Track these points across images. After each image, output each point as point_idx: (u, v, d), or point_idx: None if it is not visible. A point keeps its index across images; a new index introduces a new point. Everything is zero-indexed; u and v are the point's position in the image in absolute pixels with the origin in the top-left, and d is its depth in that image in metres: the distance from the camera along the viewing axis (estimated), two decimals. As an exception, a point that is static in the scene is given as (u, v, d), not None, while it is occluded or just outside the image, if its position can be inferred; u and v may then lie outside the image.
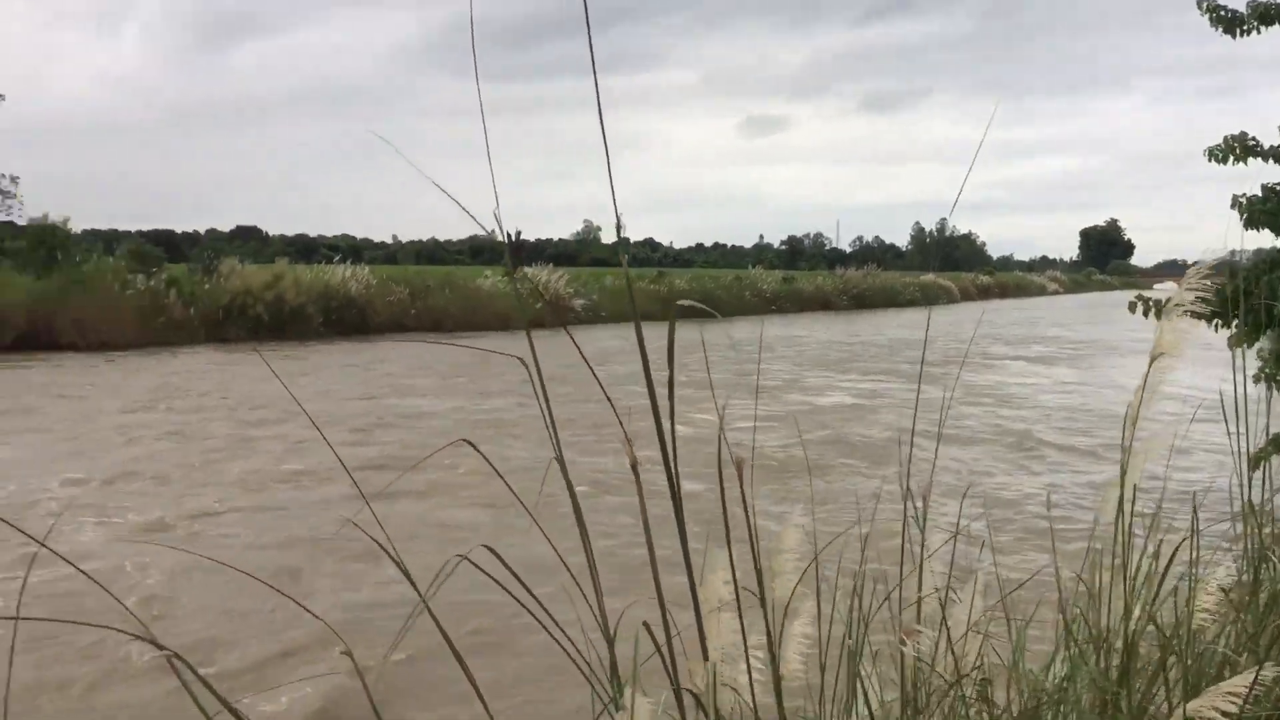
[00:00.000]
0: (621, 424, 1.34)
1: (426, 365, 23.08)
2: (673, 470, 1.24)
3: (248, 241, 61.21)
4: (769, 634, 1.59)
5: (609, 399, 1.38)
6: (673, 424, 1.26)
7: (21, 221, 32.33)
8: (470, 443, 1.54)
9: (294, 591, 6.81)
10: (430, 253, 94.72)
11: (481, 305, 34.85)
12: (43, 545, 1.17)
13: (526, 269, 39.32)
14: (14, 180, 33.13)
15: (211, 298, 28.91)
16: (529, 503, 1.57)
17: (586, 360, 1.43)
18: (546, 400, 1.50)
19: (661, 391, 1.31)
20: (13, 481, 10.56)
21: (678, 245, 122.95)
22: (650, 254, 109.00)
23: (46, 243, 28.87)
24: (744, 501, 1.56)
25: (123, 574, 7.51)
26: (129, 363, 23.11)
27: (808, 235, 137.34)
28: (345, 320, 31.29)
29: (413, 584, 1.48)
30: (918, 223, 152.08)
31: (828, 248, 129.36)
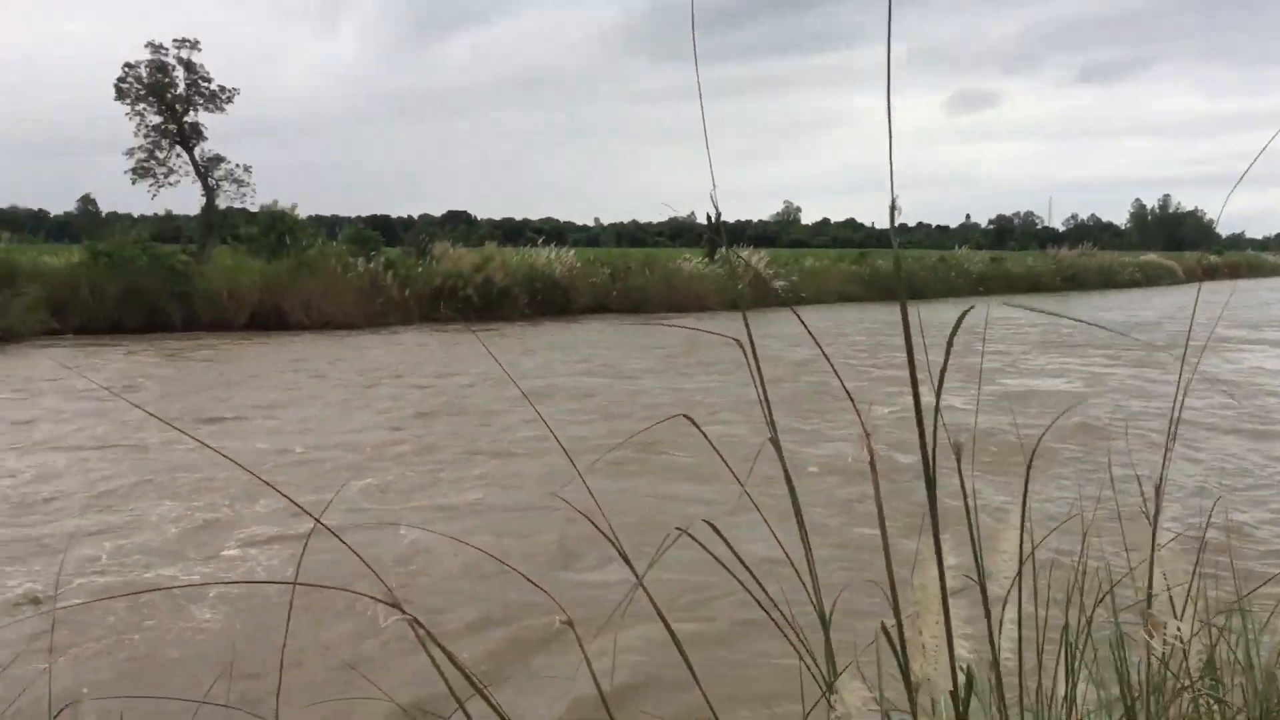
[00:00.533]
0: (859, 412, 1.32)
1: (631, 344, 23.52)
2: (929, 455, 1.21)
3: (457, 225, 63.49)
4: (989, 624, 1.54)
5: (848, 393, 1.37)
6: (937, 405, 1.23)
7: (254, 209, 34.50)
8: (689, 418, 1.55)
9: (528, 563, 7.07)
10: (631, 234, 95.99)
11: (681, 287, 35.14)
12: (318, 521, 1.25)
13: (727, 250, 39.23)
14: (247, 170, 35.32)
15: (425, 279, 30.18)
16: (741, 483, 1.58)
17: (818, 344, 1.41)
18: (762, 381, 1.50)
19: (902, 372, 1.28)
20: (299, 445, 11.60)
21: (880, 225, 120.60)
22: (851, 234, 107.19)
23: (276, 228, 30.74)
24: (962, 487, 1.52)
25: (383, 542, 7.95)
26: (357, 340, 24.46)
27: (1017, 214, 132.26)
28: (549, 301, 32.08)
29: (628, 563, 1.50)
30: (1138, 199, 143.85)
31: (1039, 226, 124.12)
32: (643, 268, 35.91)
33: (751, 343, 1.50)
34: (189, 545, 7.95)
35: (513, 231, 72.57)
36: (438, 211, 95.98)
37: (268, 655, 5.67)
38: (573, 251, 36.27)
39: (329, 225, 49.40)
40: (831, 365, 1.41)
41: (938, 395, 1.25)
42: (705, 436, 1.52)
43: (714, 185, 1.51)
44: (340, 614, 6.06)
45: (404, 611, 1.19)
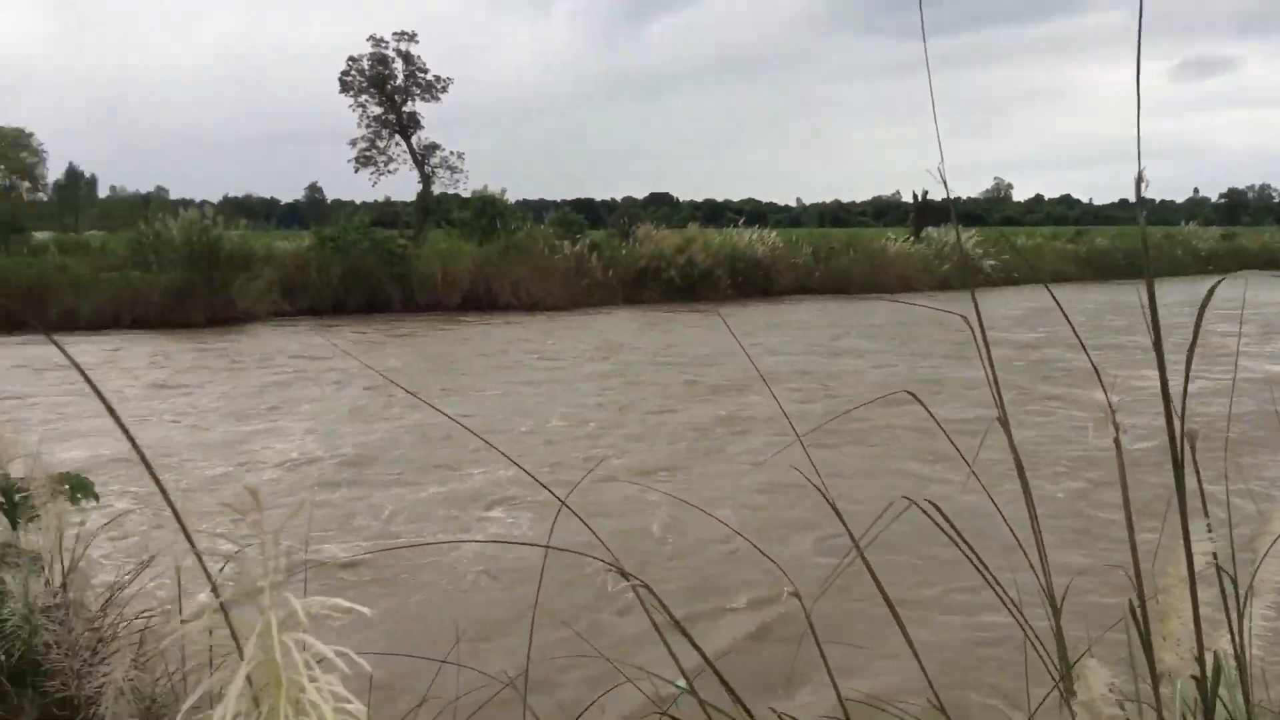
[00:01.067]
0: (1104, 389, 1.28)
1: (842, 324, 23.32)
2: (1177, 438, 1.17)
3: (660, 207, 64.10)
4: (1233, 613, 1.47)
5: (1095, 371, 1.33)
6: (1185, 386, 1.18)
7: (466, 194, 35.79)
8: (913, 394, 1.54)
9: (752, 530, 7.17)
10: (833, 214, 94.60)
11: (885, 267, 34.45)
12: (563, 504, 1.32)
13: (932, 230, 38.26)
14: (460, 156, 36.70)
15: (628, 261, 30.63)
16: (968, 462, 1.55)
17: (1066, 316, 1.38)
18: (990, 359, 1.47)
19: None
20: (531, 418, 12.11)
21: (1098, 201, 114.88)
22: (1067, 211, 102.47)
23: (487, 212, 31.81)
24: (1197, 475, 1.45)
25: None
26: (566, 320, 25.13)
27: (1251, 187, 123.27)
28: (751, 282, 31.99)
29: (849, 531, 1.51)
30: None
31: (1277, 200, 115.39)
32: (846, 248, 35.36)
33: (980, 319, 1.47)
34: (441, 509, 8.41)
35: (714, 213, 72.64)
36: (640, 194, 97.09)
37: (499, 615, 5.93)
38: (775, 232, 36.04)
39: (535, 209, 50.69)
40: (1079, 340, 1.37)
41: (1186, 375, 1.19)
42: (930, 413, 1.50)
43: (941, 159, 1.49)
44: (574, 582, 6.24)
45: (628, 576, 1.23)
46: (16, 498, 3.33)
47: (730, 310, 27.77)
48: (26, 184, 46.30)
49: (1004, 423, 1.47)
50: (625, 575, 1.31)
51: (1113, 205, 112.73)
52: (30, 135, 45.71)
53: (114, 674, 2.41)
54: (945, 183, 1.49)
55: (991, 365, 1.47)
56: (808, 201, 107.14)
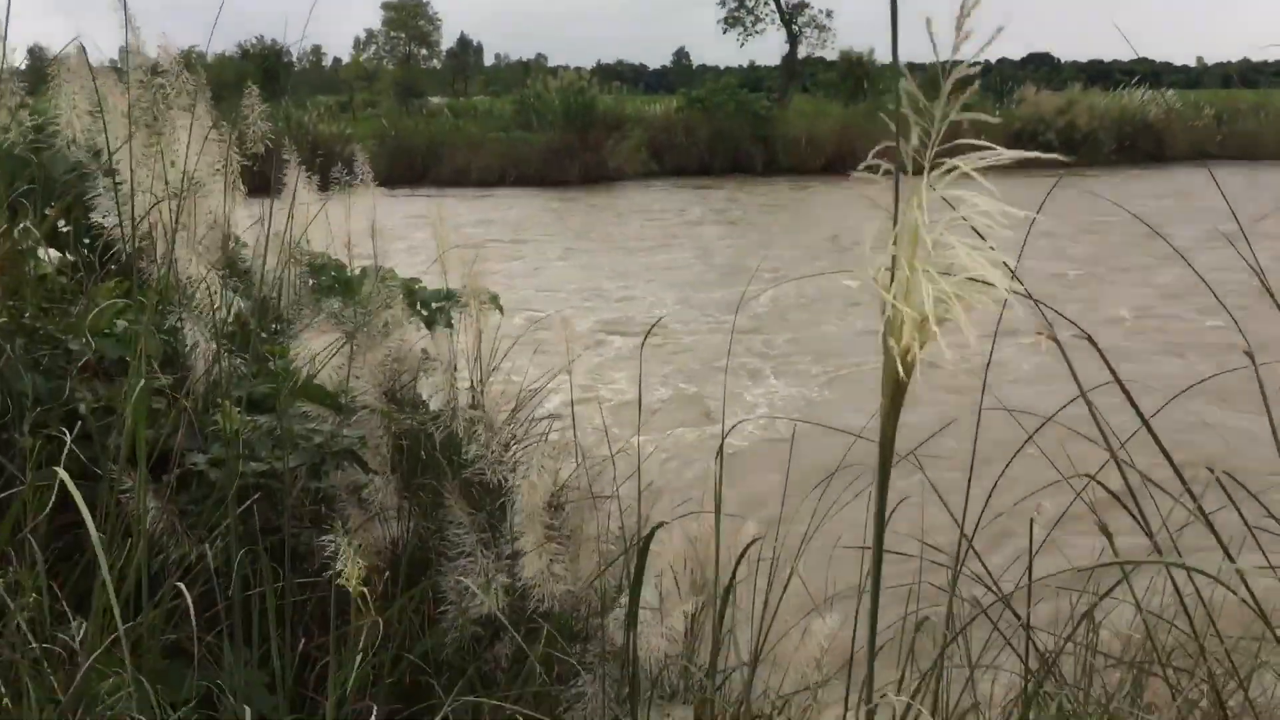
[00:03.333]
0: None
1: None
2: None
3: (1040, 69, 59.90)
4: None
5: None
6: None
7: (833, 55, 34.95)
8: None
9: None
10: (1242, 74, 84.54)
11: (1301, 129, 30.59)
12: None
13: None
14: (829, 15, 35.77)
15: (1003, 124, 28.96)
16: None
17: None
18: None
19: None
20: None
21: None
22: None
23: (854, 74, 31.03)
24: None
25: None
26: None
27: None
28: (1138, 147, 29.39)
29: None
30: None
31: None
32: (1255, 110, 31.59)
33: None
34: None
35: (1100, 74, 66.75)
36: (1017, 55, 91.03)
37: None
38: (1171, 92, 32.74)
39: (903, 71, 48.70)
40: None
41: None
42: None
43: None
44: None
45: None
46: (435, 307, 3.71)
47: (1117, 174, 25.65)
48: (424, 51, 49.92)
49: None
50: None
51: None
52: (427, 5, 49.04)
53: (530, 461, 2.63)
54: None
55: None
56: (1210, 61, 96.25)
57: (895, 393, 0.82)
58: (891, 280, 0.77)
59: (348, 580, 1.35)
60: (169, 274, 2.23)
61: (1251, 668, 1.70)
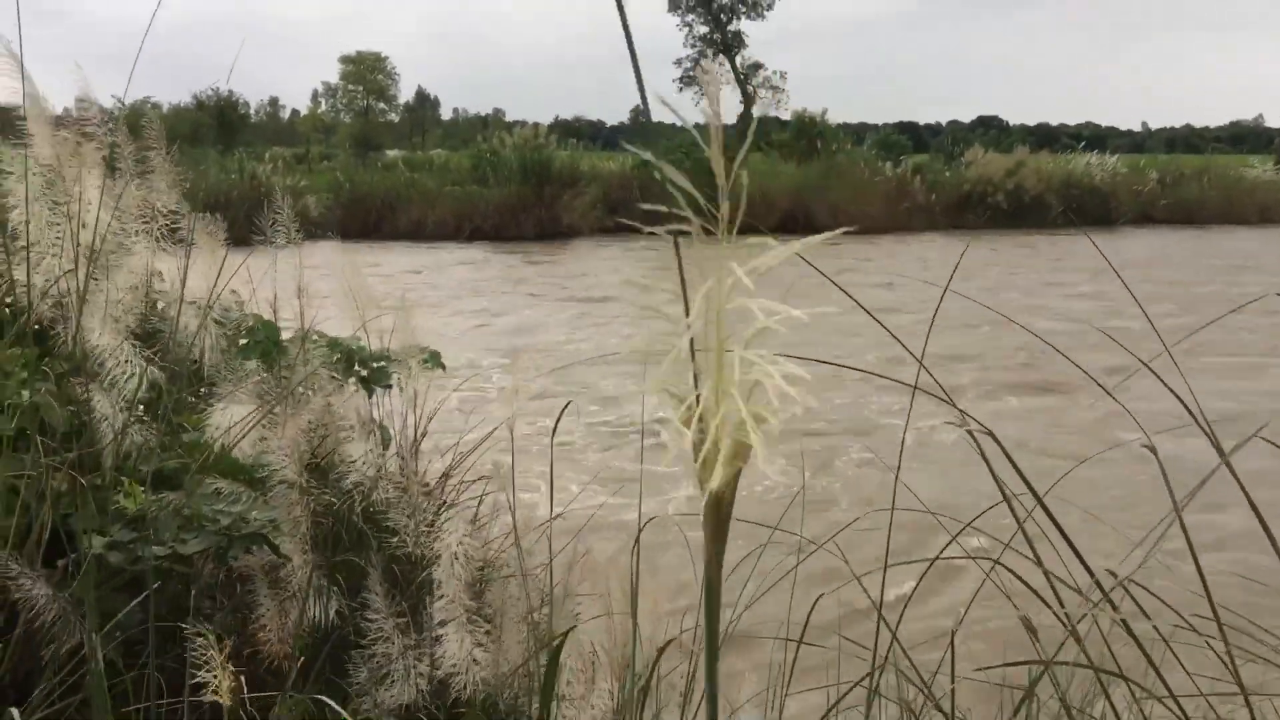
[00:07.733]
0: None
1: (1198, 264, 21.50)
2: None
3: (988, 131, 61.08)
4: None
5: None
6: None
7: (786, 115, 35.46)
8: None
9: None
10: (1184, 140, 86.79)
11: (1243, 197, 31.30)
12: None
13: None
14: (782, 76, 36.38)
15: (952, 185, 29.42)
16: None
17: None
18: None
19: None
20: None
21: None
22: None
23: (807, 134, 31.40)
24: None
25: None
26: (885, 243, 24.52)
27: None
28: (1085, 210, 29.89)
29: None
30: None
31: None
32: (1197, 175, 32.34)
33: None
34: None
35: (1047, 137, 68.33)
36: (966, 117, 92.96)
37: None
38: (1115, 157, 33.44)
39: (856, 132, 49.61)
40: None
41: None
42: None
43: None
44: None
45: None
46: (375, 366, 3.59)
47: (1061, 239, 26.10)
48: (381, 105, 50.02)
49: None
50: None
51: None
52: (385, 59, 49.23)
53: (448, 538, 2.53)
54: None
55: None
56: (1154, 126, 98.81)
57: (718, 525, 0.72)
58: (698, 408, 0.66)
59: (218, 693, 1.24)
60: (77, 342, 2.12)
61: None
